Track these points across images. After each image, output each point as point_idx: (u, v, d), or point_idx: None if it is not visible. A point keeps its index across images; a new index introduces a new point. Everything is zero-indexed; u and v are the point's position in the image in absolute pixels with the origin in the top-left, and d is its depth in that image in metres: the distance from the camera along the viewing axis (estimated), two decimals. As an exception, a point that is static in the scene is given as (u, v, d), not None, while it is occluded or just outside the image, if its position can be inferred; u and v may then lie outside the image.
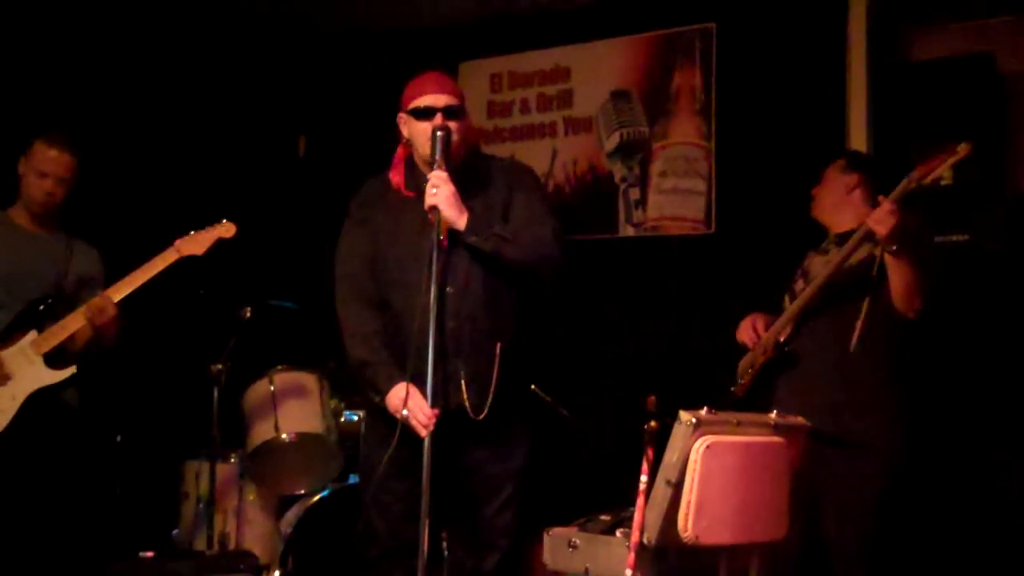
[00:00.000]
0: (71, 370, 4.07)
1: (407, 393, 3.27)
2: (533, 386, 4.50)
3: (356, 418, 5.01)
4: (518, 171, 3.71)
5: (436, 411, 3.26)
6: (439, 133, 3.33)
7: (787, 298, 4.10)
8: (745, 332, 4.11)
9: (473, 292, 3.41)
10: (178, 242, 4.14)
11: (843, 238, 3.93)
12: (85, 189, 4.24)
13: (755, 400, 4.01)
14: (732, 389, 4.13)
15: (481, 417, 3.39)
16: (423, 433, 3.25)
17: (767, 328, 4.05)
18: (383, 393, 3.39)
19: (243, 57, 6.44)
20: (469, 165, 3.49)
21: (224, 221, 4.21)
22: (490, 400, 3.40)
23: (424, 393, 3.23)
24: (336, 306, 3.57)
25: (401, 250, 3.46)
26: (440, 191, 3.28)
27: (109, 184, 5.32)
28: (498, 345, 3.44)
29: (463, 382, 3.38)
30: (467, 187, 3.40)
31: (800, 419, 3.24)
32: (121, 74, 5.79)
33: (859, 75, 5.20)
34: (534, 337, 3.69)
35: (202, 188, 5.91)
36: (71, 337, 4.06)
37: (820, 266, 4.00)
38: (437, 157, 3.32)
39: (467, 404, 3.38)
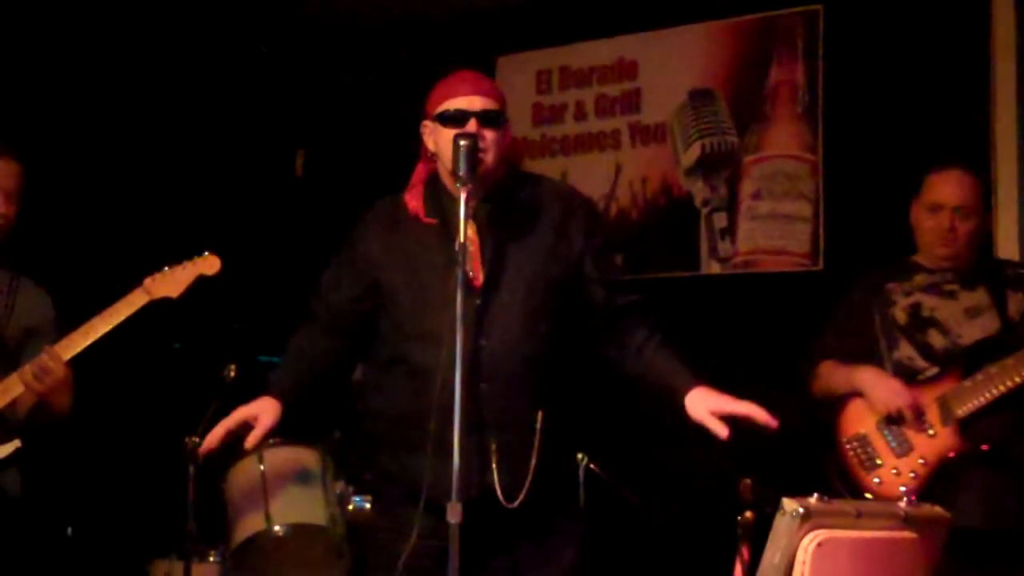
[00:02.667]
0: (14, 444, 4.06)
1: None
2: (592, 464, 4.48)
3: (367, 505, 4.99)
4: (580, 204, 3.69)
5: (221, 435, 3.51)
6: (463, 143, 3.30)
7: (908, 349, 4.09)
8: (903, 398, 4.00)
9: (513, 346, 3.41)
10: (148, 281, 4.11)
11: (968, 279, 4.04)
12: (32, 213, 4.25)
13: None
14: (871, 478, 4.05)
15: (516, 504, 3.37)
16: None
17: None
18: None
19: (230, 56, 6.51)
20: (508, 188, 3.50)
21: (206, 254, 4.20)
22: (528, 483, 3.38)
23: (448, 474, 3.18)
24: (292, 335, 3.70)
25: (420, 292, 3.46)
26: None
27: (62, 209, 5.36)
28: (540, 414, 3.43)
29: (494, 459, 3.37)
30: (507, 217, 3.42)
31: (938, 509, 3.18)
32: (76, 74, 5.86)
33: (1006, 69, 5.20)
34: (585, 403, 3.67)
35: (179, 214, 5.95)
36: (12, 404, 4.05)
37: (956, 315, 4.02)
38: (462, 172, 3.30)
39: (498, 487, 3.36)
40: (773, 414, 4.25)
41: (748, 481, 3.00)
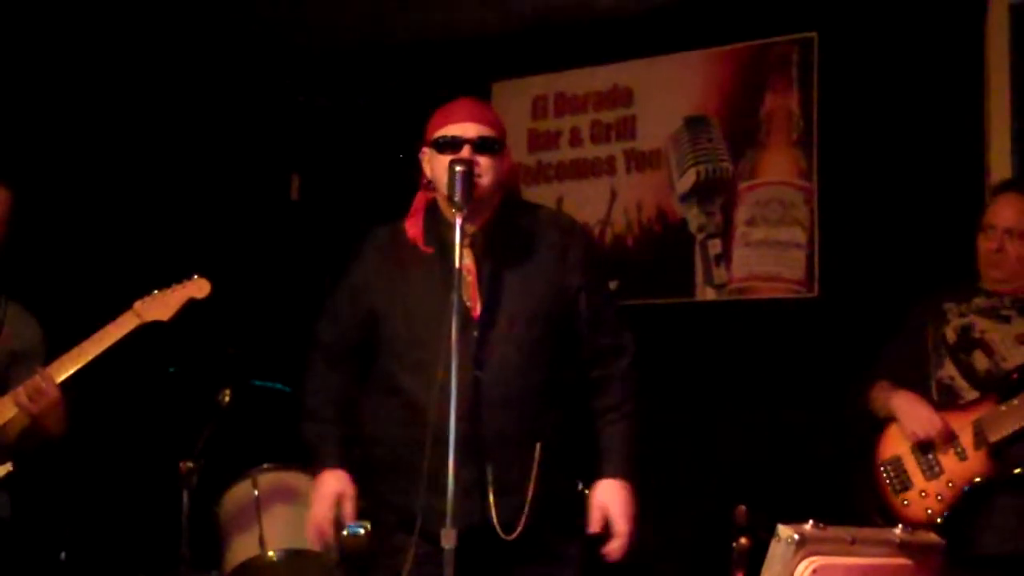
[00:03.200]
0: (6, 468, 4.03)
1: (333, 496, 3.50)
2: (587, 491, 4.45)
3: (362, 531, 4.96)
4: (579, 235, 3.67)
5: (329, 530, 3.51)
6: (458, 168, 3.27)
7: (951, 369, 4.07)
8: (932, 425, 3.98)
9: (511, 378, 3.38)
10: (138, 304, 4.10)
11: None
12: (23, 236, 4.23)
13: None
14: (900, 501, 4.03)
15: (513, 537, 3.35)
16: (315, 546, 3.55)
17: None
18: (316, 474, 3.59)
19: (224, 76, 6.50)
20: (506, 216, 3.48)
21: (195, 277, 4.19)
22: (525, 514, 3.36)
23: (442, 505, 3.16)
24: (305, 368, 3.69)
25: (416, 321, 3.44)
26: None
27: (54, 232, 5.34)
28: (538, 446, 3.41)
29: (491, 492, 3.35)
30: (505, 247, 3.40)
31: (933, 536, 3.16)
32: (70, 94, 5.85)
33: (1001, 96, 5.19)
34: (582, 433, 3.65)
35: (175, 237, 5.93)
36: (3, 427, 4.03)
37: (1007, 339, 4.01)
38: (456, 198, 3.27)
39: (495, 520, 3.34)
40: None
41: (743, 507, 2.98)
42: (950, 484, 3.95)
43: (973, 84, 5.21)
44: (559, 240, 3.52)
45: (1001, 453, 3.87)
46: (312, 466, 3.65)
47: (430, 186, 3.52)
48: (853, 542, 2.94)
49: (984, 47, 5.20)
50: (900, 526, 3.12)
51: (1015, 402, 3.87)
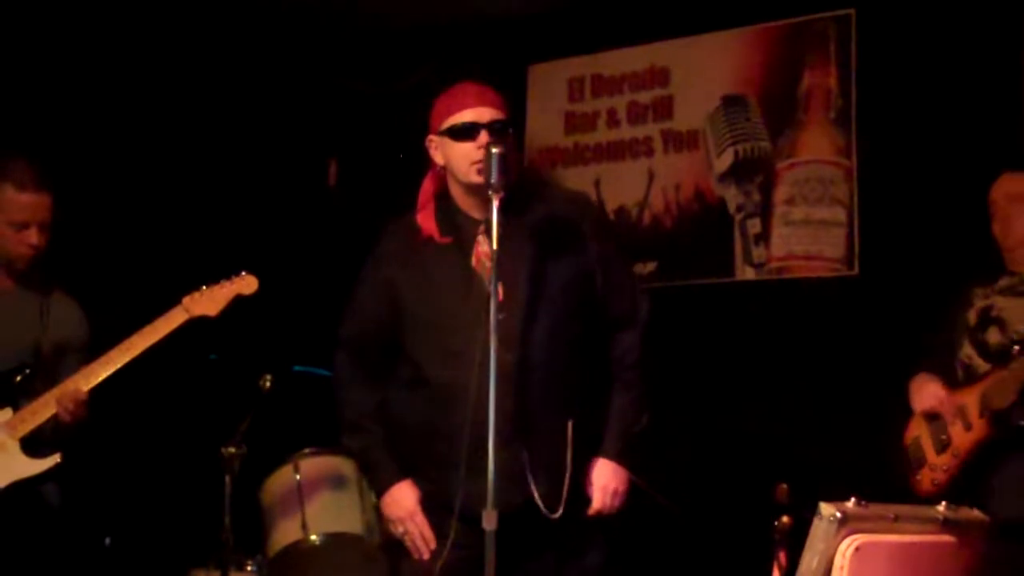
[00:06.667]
0: (55, 459, 4.06)
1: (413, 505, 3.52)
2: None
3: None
4: (590, 210, 3.74)
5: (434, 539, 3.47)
6: (495, 150, 3.28)
7: (968, 348, 4.12)
8: (935, 396, 4.08)
9: (536, 357, 3.42)
10: (186, 300, 4.15)
11: None
12: (68, 231, 4.28)
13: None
14: (917, 478, 4.09)
15: (557, 515, 3.39)
16: (424, 556, 3.46)
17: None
18: (380, 493, 3.61)
19: (260, 62, 6.53)
20: (519, 198, 3.47)
21: (243, 274, 4.23)
22: (565, 492, 3.40)
23: (481, 485, 3.19)
24: (334, 374, 3.73)
25: (440, 312, 3.48)
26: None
27: (98, 227, 5.39)
28: (570, 423, 3.45)
29: (529, 472, 3.38)
30: (521, 228, 3.43)
31: (976, 512, 3.17)
32: (107, 84, 5.89)
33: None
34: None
35: (212, 224, 5.97)
36: (51, 419, 4.06)
37: (1020, 311, 4.04)
38: (494, 180, 3.28)
39: (538, 498, 3.38)
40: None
41: (785, 485, 3.00)
42: (955, 455, 4.05)
43: (1012, 59, 5.18)
44: (571, 217, 3.58)
45: (1004, 417, 3.92)
46: (370, 481, 3.72)
47: (442, 173, 3.55)
48: (896, 519, 2.95)
49: (1024, 22, 5.19)
50: (943, 503, 3.14)
51: (1014, 365, 3.93)
